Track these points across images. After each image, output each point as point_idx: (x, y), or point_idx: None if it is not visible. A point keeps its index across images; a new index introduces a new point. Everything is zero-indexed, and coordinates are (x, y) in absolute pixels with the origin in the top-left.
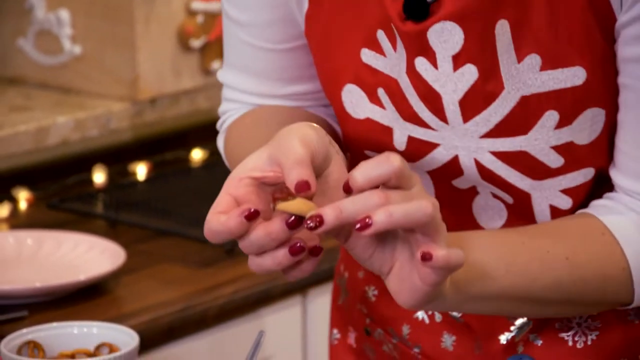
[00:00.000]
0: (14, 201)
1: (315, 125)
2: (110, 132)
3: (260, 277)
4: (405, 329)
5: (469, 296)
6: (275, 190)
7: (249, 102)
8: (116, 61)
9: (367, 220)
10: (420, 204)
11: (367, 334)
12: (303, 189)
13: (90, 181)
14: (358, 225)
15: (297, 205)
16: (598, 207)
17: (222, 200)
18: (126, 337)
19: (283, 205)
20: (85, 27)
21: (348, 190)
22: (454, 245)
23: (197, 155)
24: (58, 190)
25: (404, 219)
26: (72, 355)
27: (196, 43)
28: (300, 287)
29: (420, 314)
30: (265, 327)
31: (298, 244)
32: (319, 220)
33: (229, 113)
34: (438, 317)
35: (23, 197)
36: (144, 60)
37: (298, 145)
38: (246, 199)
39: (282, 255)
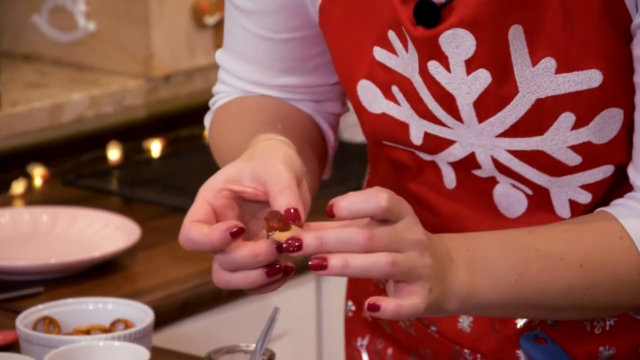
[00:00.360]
0: (29, 178)
1: (291, 144)
2: (124, 109)
3: None
4: None
5: (475, 305)
6: (269, 216)
7: (240, 88)
8: (131, 38)
9: (323, 262)
10: (379, 261)
11: None
12: (293, 217)
13: (105, 158)
14: (313, 262)
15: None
16: (618, 208)
17: (201, 208)
18: (141, 313)
19: (279, 235)
20: (99, 3)
21: (331, 214)
22: (465, 249)
23: None
24: (73, 167)
25: (358, 273)
26: (88, 331)
27: (210, 20)
28: None
29: None
30: (279, 303)
31: (277, 265)
32: (298, 246)
33: (220, 94)
34: None
35: (38, 173)
36: (158, 37)
37: (284, 169)
38: (223, 210)
39: (256, 275)
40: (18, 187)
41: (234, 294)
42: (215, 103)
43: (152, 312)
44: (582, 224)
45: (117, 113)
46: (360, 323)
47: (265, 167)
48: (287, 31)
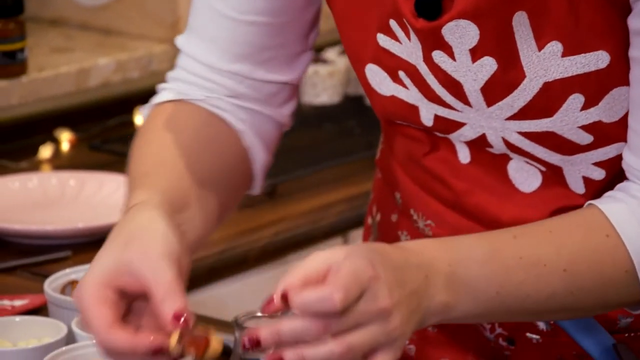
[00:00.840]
0: (56, 142)
1: (168, 218)
2: (151, 73)
3: (301, 219)
4: None
5: (454, 317)
6: (185, 336)
7: (193, 73)
8: (157, 2)
9: (278, 358)
10: (333, 351)
11: None
12: (181, 325)
13: (131, 123)
14: (268, 358)
15: (214, 349)
16: (608, 201)
17: (104, 313)
18: None
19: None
20: None
21: (284, 300)
22: (447, 264)
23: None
24: (100, 131)
25: None
26: None
27: None
28: (342, 229)
29: None
30: None
31: None
32: (256, 342)
33: (165, 89)
34: None
35: (65, 138)
36: (184, 1)
37: (167, 268)
38: (112, 306)
39: None
40: (45, 151)
41: (261, 259)
42: (157, 95)
43: None
44: (568, 224)
45: (144, 78)
46: None
47: (145, 263)
48: (254, 13)
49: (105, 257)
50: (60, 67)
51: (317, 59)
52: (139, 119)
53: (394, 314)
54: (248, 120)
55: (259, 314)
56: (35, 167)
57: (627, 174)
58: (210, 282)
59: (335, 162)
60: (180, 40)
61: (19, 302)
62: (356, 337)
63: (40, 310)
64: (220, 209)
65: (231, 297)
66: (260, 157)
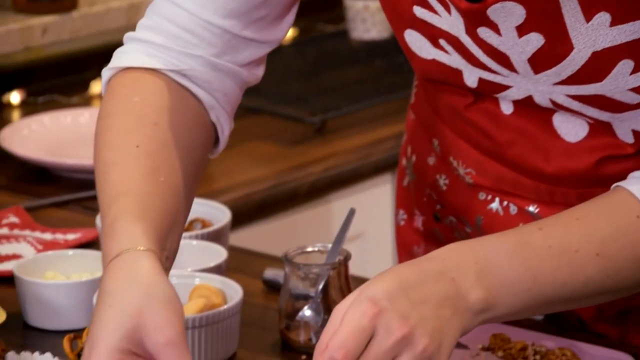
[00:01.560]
0: None
1: (157, 259)
2: None
3: (350, 155)
4: (479, 220)
5: (496, 316)
6: None
7: (177, 24)
8: None
9: None
10: None
11: (437, 220)
12: None
13: None
14: None
15: None
16: (635, 182)
17: None
18: (219, 213)
19: None
20: None
21: None
22: (473, 262)
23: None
24: None
25: None
26: None
27: None
28: (391, 165)
29: (495, 205)
30: (355, 204)
31: None
32: None
33: (135, 52)
34: (513, 208)
35: None
36: None
37: (184, 351)
38: None
39: None
40: (97, 87)
41: (311, 195)
42: (122, 55)
43: (229, 211)
44: (595, 208)
45: None
46: (413, 231)
47: (154, 337)
48: None
49: (112, 330)
50: (111, 2)
51: None
52: (104, 76)
53: (416, 336)
54: (218, 89)
55: (309, 248)
56: (86, 102)
57: None
58: (260, 217)
59: (385, 98)
60: None
61: (71, 236)
62: None
63: (92, 244)
64: (191, 198)
65: (281, 232)
66: (226, 129)
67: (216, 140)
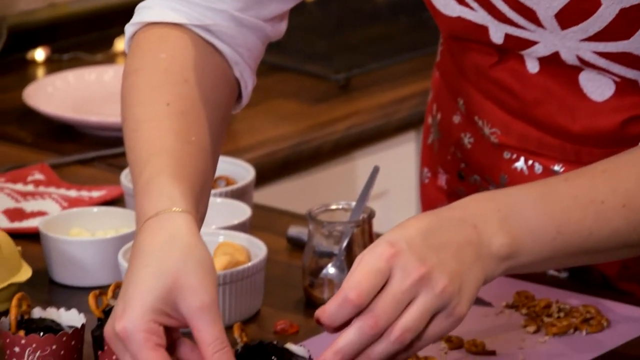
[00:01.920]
0: None
1: (194, 220)
2: None
3: (374, 113)
4: (503, 178)
5: (520, 265)
6: None
7: None
8: None
9: None
10: (392, 341)
11: (461, 179)
12: None
13: None
14: None
15: None
16: None
17: (159, 356)
18: (243, 171)
19: None
20: None
21: (320, 324)
22: (495, 210)
23: None
24: None
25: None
26: None
27: None
28: (415, 123)
29: (520, 164)
30: (379, 162)
31: None
32: None
33: (158, 6)
34: (538, 167)
35: None
36: None
37: (216, 319)
38: (160, 336)
39: None
40: (121, 44)
41: (335, 153)
42: (145, 10)
43: (253, 169)
44: (622, 162)
45: None
46: (437, 189)
47: (189, 300)
48: None
49: (146, 292)
50: None
51: None
52: (127, 32)
53: (434, 277)
54: (242, 44)
55: (333, 206)
56: (110, 59)
57: None
58: (284, 175)
59: (410, 55)
60: None
61: (96, 193)
62: (406, 317)
63: (117, 201)
64: (217, 157)
65: (305, 190)
66: (250, 85)
67: (239, 95)
